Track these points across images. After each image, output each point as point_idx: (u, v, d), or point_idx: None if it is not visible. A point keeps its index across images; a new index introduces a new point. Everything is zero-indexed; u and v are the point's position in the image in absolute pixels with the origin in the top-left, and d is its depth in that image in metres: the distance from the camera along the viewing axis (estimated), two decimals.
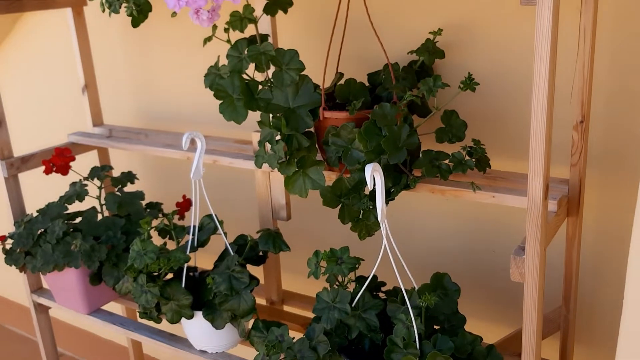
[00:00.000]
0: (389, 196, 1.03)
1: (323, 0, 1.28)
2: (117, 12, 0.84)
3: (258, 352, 1.06)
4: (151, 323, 1.35)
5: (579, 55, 0.93)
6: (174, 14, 0.88)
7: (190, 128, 1.61)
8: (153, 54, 1.64)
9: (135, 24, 0.87)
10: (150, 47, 1.63)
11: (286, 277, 1.48)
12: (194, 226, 1.23)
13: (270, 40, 1.20)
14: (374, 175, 0.92)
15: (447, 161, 1.00)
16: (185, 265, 1.20)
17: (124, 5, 0.83)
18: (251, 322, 1.18)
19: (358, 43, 1.25)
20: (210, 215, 1.28)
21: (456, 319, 1.02)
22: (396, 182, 1.02)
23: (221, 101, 1.10)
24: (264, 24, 1.21)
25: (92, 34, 1.60)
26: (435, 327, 1.03)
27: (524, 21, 1.08)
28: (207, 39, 1.16)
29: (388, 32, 1.21)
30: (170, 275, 1.23)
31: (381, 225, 0.95)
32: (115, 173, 1.60)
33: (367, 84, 1.20)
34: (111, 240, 1.35)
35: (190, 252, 1.22)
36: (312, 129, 1.12)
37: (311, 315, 1.13)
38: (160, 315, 1.23)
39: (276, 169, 1.10)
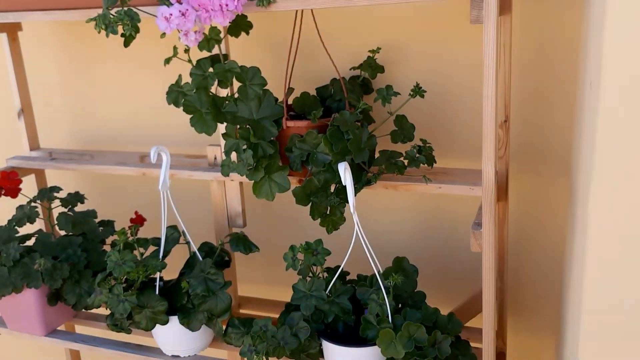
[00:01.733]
0: (354, 192, 1.17)
1: (266, 22, 1.40)
2: (115, 32, 0.92)
3: (242, 346, 1.15)
4: (114, 336, 1.38)
5: (500, 65, 1.14)
6: (163, 35, 0.97)
7: (132, 149, 1.66)
8: (88, 76, 1.67)
9: (127, 43, 0.95)
10: (85, 69, 1.67)
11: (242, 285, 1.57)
12: (164, 236, 1.29)
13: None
14: (344, 172, 1.06)
15: (401, 158, 1.15)
16: (158, 273, 1.25)
17: (121, 27, 0.91)
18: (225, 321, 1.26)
19: (305, 61, 1.39)
20: (173, 226, 1.35)
21: (417, 296, 1.17)
22: (359, 179, 1.16)
23: (191, 116, 1.19)
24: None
25: (27, 58, 1.61)
26: (400, 305, 1.18)
27: (453, 38, 1.27)
28: (168, 59, 1.24)
29: (331, 51, 1.36)
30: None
31: (353, 216, 1.09)
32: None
33: (316, 97, 1.34)
34: (71, 258, 1.37)
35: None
36: (274, 138, 1.24)
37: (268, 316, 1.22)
38: (131, 325, 1.27)
39: (244, 176, 1.20)
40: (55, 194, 1.48)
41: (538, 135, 1.27)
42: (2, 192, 1.41)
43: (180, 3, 0.95)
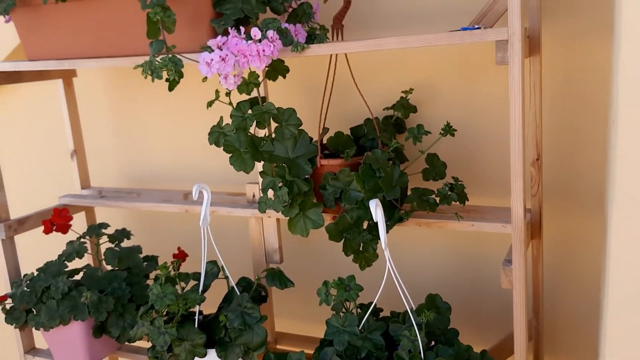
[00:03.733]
0: (386, 229, 1.20)
1: (302, 66, 1.47)
2: (160, 77, 0.99)
3: None
4: None
5: (531, 105, 1.16)
6: (204, 79, 1.03)
7: (176, 187, 1.74)
8: (135, 119, 1.77)
9: (172, 87, 1.02)
10: (134, 112, 1.76)
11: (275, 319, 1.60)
12: (203, 271, 1.34)
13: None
14: (376, 209, 1.09)
15: (433, 196, 1.18)
16: (197, 307, 1.30)
17: (167, 73, 0.98)
18: (261, 355, 1.29)
19: (339, 102, 1.44)
20: (213, 261, 1.40)
21: (450, 333, 1.17)
22: (391, 216, 1.19)
23: (230, 154, 1.24)
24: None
25: (80, 102, 1.72)
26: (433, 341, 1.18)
27: (485, 78, 1.30)
28: (211, 102, 1.31)
29: (364, 92, 1.41)
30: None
31: (385, 252, 1.11)
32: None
33: (351, 136, 1.38)
34: (116, 291, 1.43)
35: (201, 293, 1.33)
36: (309, 176, 1.28)
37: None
38: (171, 357, 1.31)
39: (280, 213, 1.25)
40: (104, 231, 1.55)
41: (572, 173, 1.28)
42: (54, 228, 1.49)
43: (221, 49, 1.02)
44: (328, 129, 1.39)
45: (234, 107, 1.27)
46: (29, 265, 1.59)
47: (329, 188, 1.22)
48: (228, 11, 1.10)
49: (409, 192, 1.21)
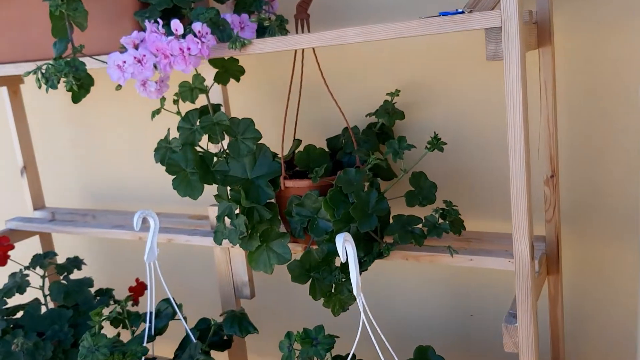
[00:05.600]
0: (362, 266, 0.96)
1: (275, 65, 1.24)
2: (55, 87, 0.77)
3: None
4: None
5: (542, 109, 0.91)
6: (118, 87, 0.82)
7: (141, 206, 1.52)
8: (97, 130, 1.56)
9: (76, 99, 0.80)
10: (94, 123, 1.55)
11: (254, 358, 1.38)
12: (151, 313, 1.13)
13: (222, 109, 1.15)
14: (345, 246, 0.85)
15: (420, 225, 0.94)
16: (143, 358, 1.08)
17: (62, 80, 0.76)
18: None
19: (315, 108, 1.21)
20: (167, 300, 1.18)
21: None
22: (368, 251, 0.96)
23: (174, 176, 1.02)
24: (216, 93, 1.15)
25: (31, 112, 1.51)
26: None
27: (485, 75, 1.06)
28: (156, 112, 1.09)
29: (344, 96, 1.18)
30: None
31: (357, 300, 0.88)
32: (61, 258, 1.49)
33: (326, 149, 1.15)
34: (57, 335, 1.22)
35: (147, 342, 1.11)
36: (273, 200, 1.06)
37: None
38: None
39: (237, 245, 1.02)
40: (50, 260, 1.35)
41: (596, 192, 1.03)
42: None
43: (137, 48, 0.80)
44: (300, 141, 1.16)
45: (183, 117, 1.05)
46: None
47: (295, 216, 1.00)
48: (154, 0, 0.87)
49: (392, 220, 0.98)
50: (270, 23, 0.88)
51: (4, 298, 1.29)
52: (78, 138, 1.59)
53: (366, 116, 1.14)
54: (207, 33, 0.80)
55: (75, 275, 1.42)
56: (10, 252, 1.33)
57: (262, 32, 0.94)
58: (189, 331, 1.13)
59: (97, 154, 1.57)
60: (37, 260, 1.34)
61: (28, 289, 1.32)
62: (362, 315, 0.87)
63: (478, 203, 1.10)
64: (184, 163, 1.03)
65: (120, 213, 1.43)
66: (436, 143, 0.90)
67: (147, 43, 0.80)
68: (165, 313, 1.17)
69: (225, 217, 1.04)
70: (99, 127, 1.55)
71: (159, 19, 0.81)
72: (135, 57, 0.78)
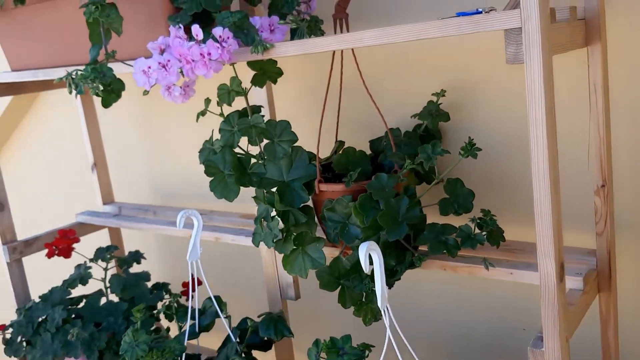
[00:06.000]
0: (394, 276, 0.93)
1: (321, 65, 1.22)
2: (82, 93, 0.80)
3: None
4: None
5: (591, 112, 0.83)
6: (145, 92, 0.83)
7: (203, 203, 1.56)
8: (163, 129, 1.61)
9: (106, 103, 0.83)
10: (160, 122, 1.61)
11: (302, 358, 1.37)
12: (193, 310, 1.15)
13: (265, 110, 1.14)
14: (370, 255, 0.82)
15: (454, 235, 0.89)
16: (184, 354, 1.11)
17: (89, 86, 0.79)
18: None
19: (358, 108, 1.17)
20: (215, 297, 1.20)
21: None
22: (400, 260, 0.92)
23: (212, 178, 1.03)
24: (261, 94, 1.15)
25: (101, 112, 1.59)
26: None
27: None
28: (201, 113, 1.11)
29: (390, 96, 1.14)
30: None
31: (382, 313, 0.85)
32: (130, 248, 1.56)
33: (369, 151, 1.12)
34: (112, 327, 1.28)
35: (191, 339, 1.14)
36: (310, 203, 1.04)
37: None
38: None
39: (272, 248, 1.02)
40: (112, 254, 1.41)
41: None
42: (56, 252, 1.37)
43: (162, 54, 0.81)
44: (343, 142, 1.14)
45: (224, 118, 1.06)
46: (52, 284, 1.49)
47: (327, 221, 0.98)
48: (184, 5, 0.88)
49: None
50: (299, 25, 0.87)
51: (68, 289, 1.37)
52: (145, 136, 1.65)
53: (411, 117, 1.10)
54: (228, 37, 0.80)
55: (136, 268, 1.48)
56: (80, 244, 1.41)
57: (294, 33, 0.92)
58: (229, 331, 1.14)
59: (163, 152, 1.63)
60: (99, 254, 1.40)
61: (93, 280, 1.39)
62: (388, 331, 0.84)
63: (524, 211, 1.03)
64: (222, 165, 1.03)
65: (179, 210, 1.47)
66: (470, 149, 0.85)
67: (171, 48, 0.80)
68: (210, 311, 1.19)
69: (262, 219, 1.04)
70: (165, 126, 1.60)
71: (181, 25, 0.81)
72: (159, 63, 0.79)
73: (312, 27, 0.92)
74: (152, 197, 1.69)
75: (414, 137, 1.07)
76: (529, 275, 0.87)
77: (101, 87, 0.79)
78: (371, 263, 0.83)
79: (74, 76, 0.79)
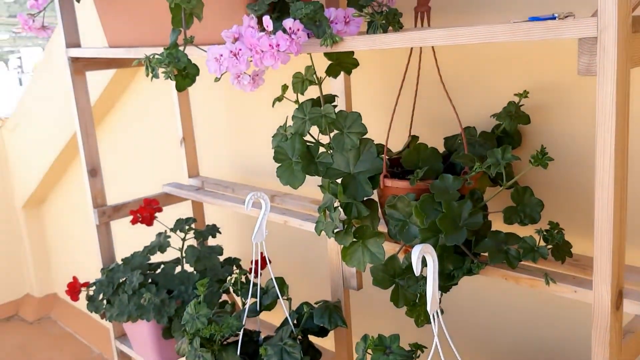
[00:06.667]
0: (450, 280, 0.91)
1: (400, 57, 1.20)
2: (157, 77, 0.83)
3: None
4: None
5: None
6: (216, 79, 0.86)
7: (278, 184, 1.59)
8: (250, 110, 1.65)
9: (180, 87, 0.86)
10: (247, 103, 1.65)
11: None
12: (255, 289, 1.18)
13: (341, 99, 1.14)
14: (425, 257, 0.81)
15: (516, 246, 0.85)
16: (242, 330, 1.14)
17: (161, 70, 0.82)
18: None
19: (435, 103, 1.14)
20: (278, 278, 1.23)
21: None
22: (458, 265, 0.90)
23: (280, 164, 1.05)
24: (338, 83, 1.15)
25: (192, 89, 1.65)
26: None
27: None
28: (277, 99, 1.13)
29: (470, 92, 1.10)
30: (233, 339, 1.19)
31: (431, 319, 0.83)
32: (210, 220, 1.63)
33: (443, 148, 1.09)
34: (182, 295, 1.35)
35: (251, 316, 1.18)
36: (375, 197, 1.04)
37: None
38: None
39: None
40: (191, 226, 1.47)
41: None
42: (139, 220, 1.45)
43: (235, 42, 0.82)
44: (416, 137, 1.12)
45: (298, 106, 1.07)
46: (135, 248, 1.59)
47: (388, 217, 0.97)
48: None
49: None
50: (373, 18, 0.85)
51: (148, 255, 1.45)
52: (232, 116, 1.70)
53: (491, 117, 1.06)
54: (298, 29, 0.80)
55: (212, 241, 1.54)
56: (164, 213, 1.49)
57: (370, 26, 0.91)
58: (287, 313, 1.16)
59: (247, 132, 1.67)
60: (179, 224, 1.47)
61: (171, 249, 1.46)
62: (436, 338, 0.83)
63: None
64: (290, 152, 1.05)
65: (256, 189, 1.51)
66: (541, 158, 0.80)
67: (243, 37, 0.82)
68: (272, 292, 1.22)
69: (326, 209, 1.05)
70: (251, 108, 1.64)
71: (257, 13, 0.82)
72: (231, 51, 0.81)
73: (390, 20, 0.90)
74: (234, 174, 1.75)
75: (490, 138, 1.03)
76: (592, 296, 0.82)
77: (175, 72, 0.82)
78: (426, 265, 0.82)
79: (150, 60, 0.82)
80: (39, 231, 2.99)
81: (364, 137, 1.00)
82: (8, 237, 2.95)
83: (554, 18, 0.60)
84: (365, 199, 1.01)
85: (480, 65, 1.09)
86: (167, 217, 1.51)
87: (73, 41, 1.40)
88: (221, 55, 0.81)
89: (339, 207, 1.02)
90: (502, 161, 0.85)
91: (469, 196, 0.89)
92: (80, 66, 1.41)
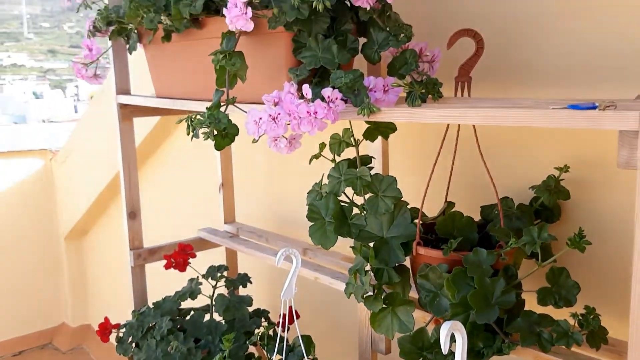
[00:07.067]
0: (481, 358, 0.88)
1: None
2: (197, 136, 0.85)
3: None
4: None
5: None
6: (254, 140, 0.87)
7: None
8: (289, 160, 1.67)
9: (219, 147, 0.87)
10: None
11: None
12: (281, 347, 1.17)
13: (378, 161, 1.14)
14: (454, 335, 0.79)
15: (549, 329, 0.83)
16: None
17: (201, 131, 0.84)
18: None
19: (473, 169, 1.13)
20: (305, 337, 1.22)
21: None
22: (488, 343, 0.87)
23: (312, 223, 1.05)
24: (376, 143, 1.15)
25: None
26: None
27: None
28: (314, 157, 1.14)
29: (509, 161, 1.08)
30: None
31: None
32: (243, 266, 1.63)
33: (480, 217, 1.07)
34: (209, 345, 1.34)
35: None
36: (407, 263, 1.02)
37: None
38: None
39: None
40: (222, 273, 1.48)
41: None
42: (173, 265, 1.46)
43: (274, 107, 0.84)
44: (453, 204, 1.11)
45: (334, 165, 1.08)
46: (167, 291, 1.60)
47: (420, 287, 0.95)
48: (305, 59, 0.91)
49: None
50: (412, 89, 0.86)
51: (179, 300, 1.46)
52: (272, 165, 1.72)
53: (529, 189, 1.04)
54: (336, 98, 0.81)
55: (242, 291, 1.54)
56: (198, 257, 1.50)
57: (410, 96, 0.91)
58: None
59: (286, 180, 1.69)
60: (211, 272, 1.48)
61: (201, 295, 1.47)
62: None
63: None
64: (324, 211, 1.05)
65: (290, 240, 1.51)
66: (578, 241, 0.78)
67: (282, 102, 0.83)
68: (298, 350, 1.21)
69: (356, 272, 1.04)
70: (290, 158, 1.65)
71: (293, 82, 0.84)
72: (270, 115, 0.83)
73: (429, 90, 0.90)
74: (269, 222, 1.76)
75: (528, 211, 1.00)
76: None
77: (215, 132, 0.84)
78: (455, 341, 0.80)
79: (192, 119, 0.84)
80: (79, 262, 3.05)
81: (400, 200, 1.00)
82: (49, 266, 3.02)
83: (595, 107, 0.59)
84: (397, 264, 1.00)
85: (521, 135, 1.08)
86: (201, 261, 1.52)
87: (123, 88, 1.45)
88: (260, 118, 0.83)
89: (370, 271, 1.01)
90: (537, 240, 0.83)
91: (502, 272, 0.87)
92: (127, 112, 1.45)
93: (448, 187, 1.09)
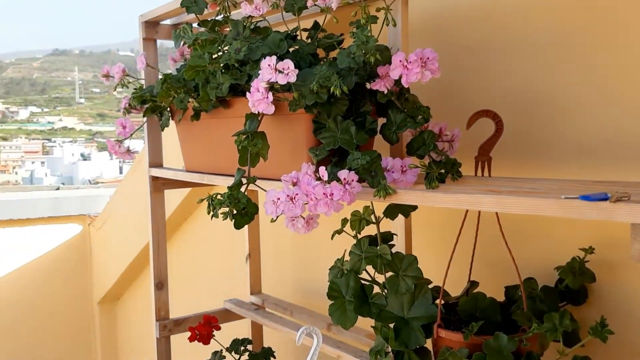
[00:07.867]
0: None
1: None
2: (217, 216, 0.87)
3: None
4: None
5: None
6: (272, 220, 0.88)
7: None
8: (316, 232, 1.67)
9: (238, 226, 0.89)
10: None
11: None
12: None
13: (400, 238, 1.14)
14: None
15: None
16: None
17: (221, 210, 0.86)
18: None
19: (496, 249, 1.11)
20: None
21: None
22: None
23: (332, 302, 1.04)
24: (399, 220, 1.15)
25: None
26: None
27: None
28: (337, 232, 1.14)
29: (534, 241, 1.07)
30: None
31: None
32: (268, 340, 1.62)
33: (504, 297, 1.05)
34: None
35: None
36: (429, 345, 1.00)
37: None
38: None
39: None
40: (246, 347, 1.47)
41: None
42: (197, 337, 1.46)
43: (292, 187, 0.85)
44: (477, 283, 1.09)
45: (356, 242, 1.08)
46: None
47: None
48: (324, 140, 0.93)
49: None
50: (430, 170, 0.86)
51: None
52: (298, 235, 1.73)
53: (554, 269, 1.02)
54: (352, 180, 0.82)
55: None
56: (224, 327, 1.49)
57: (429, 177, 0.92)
58: None
59: (312, 253, 1.69)
60: (234, 345, 1.47)
61: None
62: None
63: None
64: (345, 289, 1.04)
65: (315, 315, 1.49)
66: (600, 330, 0.75)
67: (300, 183, 0.85)
68: None
69: (377, 353, 1.02)
70: (317, 231, 1.66)
71: (311, 164, 0.86)
72: (288, 195, 0.84)
73: (448, 170, 0.91)
74: (295, 293, 1.75)
75: (552, 293, 0.98)
76: None
77: (234, 212, 0.85)
78: None
79: (213, 200, 0.86)
80: (111, 327, 3.07)
81: (420, 279, 0.99)
82: (82, 330, 3.05)
83: (607, 198, 0.59)
84: (417, 347, 0.98)
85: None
86: (226, 331, 1.51)
87: (155, 161, 1.50)
88: (279, 199, 0.84)
89: (391, 353, 0.99)
90: (559, 327, 0.80)
91: (524, 359, 0.84)
92: (159, 185, 1.50)
93: (471, 266, 1.07)
